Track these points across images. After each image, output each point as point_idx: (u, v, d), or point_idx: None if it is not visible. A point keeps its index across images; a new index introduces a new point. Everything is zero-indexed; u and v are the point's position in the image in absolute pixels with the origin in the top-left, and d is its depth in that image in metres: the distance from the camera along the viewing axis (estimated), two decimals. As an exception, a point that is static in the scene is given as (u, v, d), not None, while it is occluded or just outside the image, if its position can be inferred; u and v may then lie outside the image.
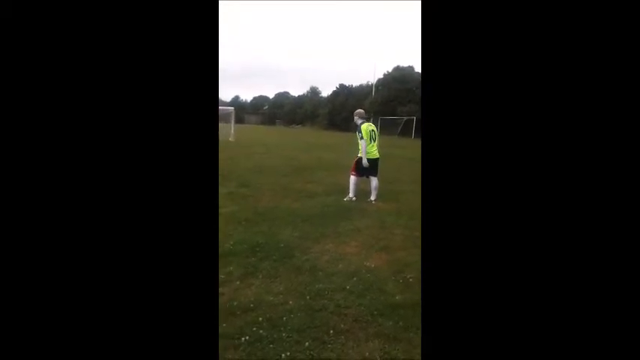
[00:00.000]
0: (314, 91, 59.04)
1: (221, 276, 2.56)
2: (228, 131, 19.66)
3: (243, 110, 60.26)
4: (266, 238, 3.38)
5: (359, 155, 4.89)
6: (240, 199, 5.00)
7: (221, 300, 2.23)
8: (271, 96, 69.75)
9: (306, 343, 1.85)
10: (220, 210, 4.35)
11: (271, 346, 1.82)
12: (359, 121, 4.98)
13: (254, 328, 1.95)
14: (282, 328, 1.96)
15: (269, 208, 4.57)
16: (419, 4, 0.98)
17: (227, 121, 21.24)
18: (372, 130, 4.94)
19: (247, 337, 1.87)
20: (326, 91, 55.56)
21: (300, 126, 47.66)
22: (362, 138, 4.80)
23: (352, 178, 5.01)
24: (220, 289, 2.37)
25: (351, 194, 5.05)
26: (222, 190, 5.54)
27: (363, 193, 5.23)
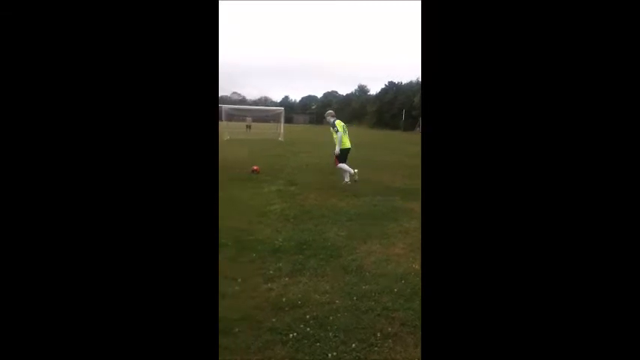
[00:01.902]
0: (362, 89, 58.51)
1: (270, 271, 2.65)
2: (277, 131, 20.22)
3: (292, 110, 61.59)
4: (313, 236, 3.42)
5: (337, 149, 6.00)
6: (288, 197, 5.12)
7: (271, 295, 2.31)
8: (320, 95, 70.37)
9: (353, 345, 1.84)
10: (269, 207, 4.50)
11: (318, 344, 1.84)
12: (331, 120, 6.17)
13: (301, 325, 1.98)
14: (328, 328, 1.97)
15: (316, 206, 4.62)
16: (419, 4, 0.99)
17: (277, 121, 21.83)
18: (344, 125, 6.11)
19: (295, 334, 1.91)
20: (374, 89, 54.81)
21: (347, 125, 47.48)
22: (337, 131, 5.94)
23: (341, 165, 6.04)
24: (270, 285, 2.45)
25: (347, 179, 6.02)
26: (270, 188, 5.72)
27: (401, 192, 5.07)
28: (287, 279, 2.54)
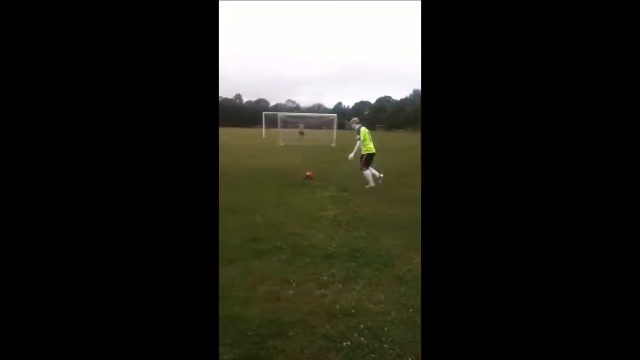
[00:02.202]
0: (417, 94, 56.85)
1: (324, 277, 2.66)
2: (329, 137, 20.41)
3: (345, 116, 61.87)
4: (366, 243, 3.38)
5: (362, 153, 6.43)
6: (341, 203, 5.12)
7: (324, 301, 2.31)
8: (373, 101, 69.76)
9: (409, 359, 1.77)
10: (322, 213, 4.54)
11: (372, 355, 1.80)
12: (356, 126, 6.59)
13: (355, 334, 1.96)
14: (383, 339, 1.92)
15: (369, 213, 4.56)
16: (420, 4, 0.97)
17: (329, 127, 22.05)
18: (368, 132, 6.52)
19: (349, 343, 1.89)
20: (430, 93, 52.75)
21: (401, 130, 46.47)
22: (359, 139, 6.41)
23: (366, 172, 6.36)
24: (323, 291, 2.46)
25: (371, 184, 6.30)
26: (323, 194, 5.77)
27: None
28: (340, 286, 2.53)
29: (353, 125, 6.76)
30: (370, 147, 6.44)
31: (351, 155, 6.59)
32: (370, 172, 6.39)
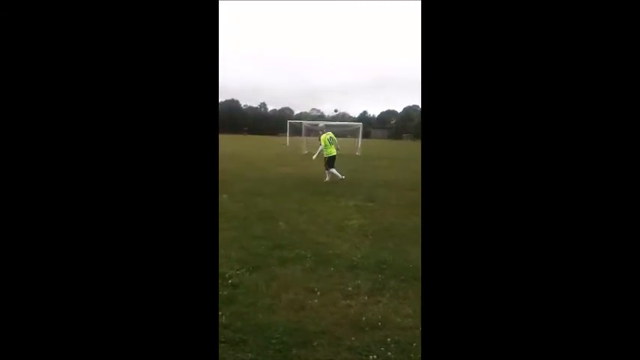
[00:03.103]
0: (444, 103, 55.97)
1: (349, 288, 2.61)
2: (355, 145, 20.36)
3: (370, 125, 61.60)
4: (393, 255, 3.30)
5: (325, 156, 7.94)
6: (366, 213, 5.05)
7: (349, 312, 2.26)
8: (400, 109, 69.22)
9: (439, 378, 1.69)
10: (347, 222, 4.49)
11: (400, 371, 1.73)
12: (320, 133, 8.16)
13: (382, 348, 1.89)
14: (412, 355, 1.85)
15: (395, 223, 4.46)
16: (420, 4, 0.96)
17: (354, 135, 22.02)
18: (330, 137, 7.97)
19: (375, 357, 1.83)
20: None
21: (427, 140, 45.64)
22: (320, 144, 8.01)
23: (331, 170, 7.85)
24: (348, 302, 2.41)
25: (340, 176, 7.83)
26: (348, 203, 5.72)
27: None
28: (366, 297, 2.47)
29: (319, 132, 8.25)
30: (331, 151, 7.85)
31: (314, 156, 8.30)
32: (334, 171, 7.80)
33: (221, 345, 1.85)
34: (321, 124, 8.52)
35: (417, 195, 6.43)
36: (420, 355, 1.84)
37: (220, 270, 2.76)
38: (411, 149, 23.66)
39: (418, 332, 2.04)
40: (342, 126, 27.93)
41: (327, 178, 7.86)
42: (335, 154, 7.94)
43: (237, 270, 2.84)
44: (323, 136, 7.97)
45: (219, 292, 2.42)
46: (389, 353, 1.86)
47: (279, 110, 77.65)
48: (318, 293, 2.51)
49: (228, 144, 20.48)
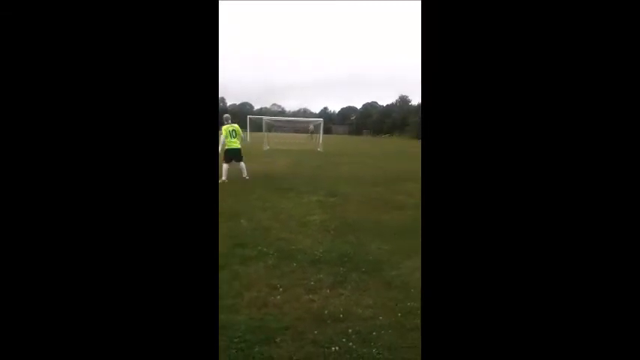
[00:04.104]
0: (403, 100, 57.79)
1: (311, 282, 2.63)
2: (316, 141, 20.44)
3: (331, 121, 62.10)
4: (354, 248, 3.37)
5: (225, 147, 7.06)
6: (328, 208, 5.11)
7: (312, 307, 2.29)
8: (359, 106, 70.46)
9: (398, 364, 1.77)
10: (309, 218, 4.51)
11: (361, 360, 1.79)
12: (225, 123, 7.23)
13: (343, 339, 1.94)
14: (372, 344, 1.91)
15: (357, 218, 4.56)
16: (419, 4, 0.98)
17: (316, 131, 22.10)
18: (233, 130, 7.19)
19: (337, 348, 1.87)
20: (416, 99, 53.91)
21: (388, 135, 47.04)
22: (221, 134, 6.95)
23: (224, 166, 6.86)
24: (311, 296, 2.43)
25: (223, 177, 6.82)
26: (311, 198, 5.75)
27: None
28: (328, 291, 2.51)
29: (222, 121, 7.31)
30: (231, 143, 7.17)
31: (220, 149, 6.98)
32: (226, 167, 6.94)
33: (180, 348, 1.79)
34: (226, 115, 7.43)
35: (378, 191, 6.61)
36: (379, 344, 1.91)
37: (179, 271, 2.66)
38: (372, 145, 24.23)
39: (378, 322, 2.12)
40: (303, 122, 27.90)
41: (223, 178, 6.77)
42: (237, 147, 7.18)
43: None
44: (224, 127, 7.13)
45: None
46: (350, 344, 1.91)
47: (239, 105, 75.83)
48: (281, 289, 2.51)
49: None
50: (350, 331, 2.02)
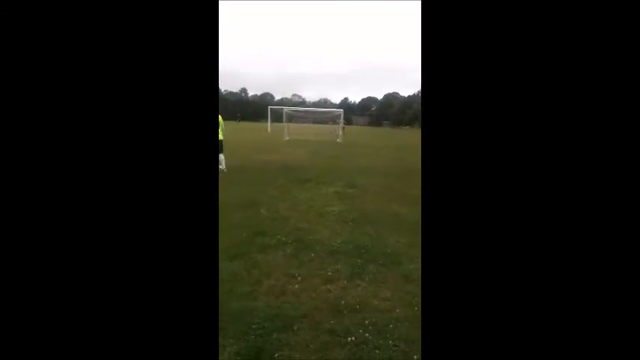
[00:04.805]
0: (424, 91, 56.52)
1: (329, 273, 2.66)
2: (336, 132, 20.34)
3: (352, 112, 61.55)
4: (372, 240, 3.37)
5: None
6: (346, 199, 5.11)
7: (329, 297, 2.31)
8: (380, 97, 69.39)
9: (415, 356, 1.77)
10: (328, 208, 4.53)
11: (377, 351, 1.80)
12: None
13: (360, 330, 1.96)
14: (388, 335, 1.92)
15: (375, 210, 4.54)
16: (419, 4, 0.97)
17: (336, 122, 21.98)
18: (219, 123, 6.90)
19: (354, 338, 1.89)
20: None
21: (408, 127, 46.22)
22: None
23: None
24: (328, 286, 2.46)
25: (222, 166, 7.00)
26: (329, 189, 5.76)
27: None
28: (345, 282, 2.53)
29: None
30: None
31: None
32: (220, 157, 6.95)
33: (201, 331, 1.86)
34: None
35: (396, 183, 6.55)
36: (396, 336, 1.92)
37: (200, 257, 2.74)
38: (392, 137, 23.88)
39: (395, 315, 2.12)
40: (323, 112, 27.79)
41: (222, 166, 6.94)
42: (221, 138, 7.08)
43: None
44: None
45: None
46: (367, 335, 1.92)
47: (260, 96, 76.27)
48: (299, 278, 2.54)
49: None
50: (367, 322, 2.03)
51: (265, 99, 70.20)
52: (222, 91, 76.41)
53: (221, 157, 7.09)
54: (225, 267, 2.69)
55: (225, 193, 5.14)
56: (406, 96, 60.91)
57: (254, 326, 1.95)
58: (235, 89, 79.49)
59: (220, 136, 7.04)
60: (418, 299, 2.30)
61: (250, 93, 78.64)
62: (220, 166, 7.02)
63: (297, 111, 27.40)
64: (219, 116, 7.30)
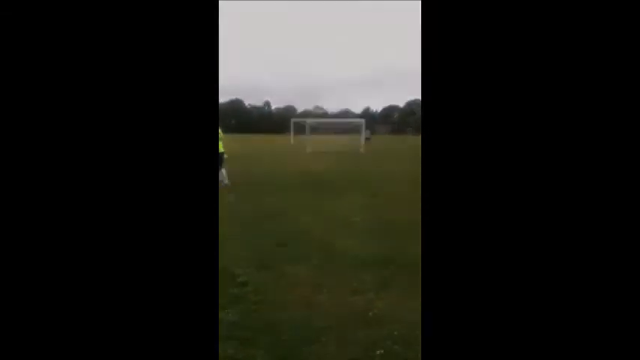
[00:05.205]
0: (448, 97, 55.59)
1: (354, 284, 2.64)
2: (358, 142, 20.35)
3: (374, 120, 61.40)
4: (398, 250, 3.32)
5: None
6: (370, 209, 5.08)
7: (356, 308, 2.30)
8: (402, 104, 68.92)
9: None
10: (352, 219, 4.52)
11: (407, 364, 1.77)
12: None
13: (388, 342, 1.93)
14: (417, 348, 1.88)
15: (400, 220, 4.48)
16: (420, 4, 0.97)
17: (358, 132, 22.00)
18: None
19: (382, 351, 1.86)
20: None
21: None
22: None
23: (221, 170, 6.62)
24: (355, 298, 2.44)
25: (225, 181, 6.88)
26: (353, 199, 5.75)
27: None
28: (372, 293, 2.50)
29: None
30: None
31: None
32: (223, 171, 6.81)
33: (231, 342, 1.90)
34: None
35: (420, 191, 6.44)
36: (426, 349, 1.88)
37: (229, 269, 2.81)
38: (415, 144, 23.58)
39: (424, 326, 2.08)
40: (345, 123, 27.92)
41: (225, 182, 6.83)
42: (223, 151, 6.86)
43: (246, 268, 2.89)
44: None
45: (229, 291, 2.47)
46: (395, 347, 1.89)
47: (283, 109, 77.65)
48: (325, 290, 2.55)
49: (234, 144, 20.62)
50: (395, 333, 2.00)
51: (288, 112, 71.39)
52: (247, 105, 78.49)
53: (223, 172, 6.84)
54: (253, 278, 2.73)
55: (249, 205, 5.25)
56: (429, 103, 60.10)
57: (283, 337, 1.97)
58: (259, 103, 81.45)
59: (221, 149, 6.72)
60: (448, 311, 2.25)
61: (274, 106, 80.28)
62: (225, 181, 6.89)
63: (319, 123, 27.72)
64: (220, 130, 7.07)
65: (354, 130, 25.77)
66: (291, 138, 26.87)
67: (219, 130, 7.05)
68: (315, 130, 26.75)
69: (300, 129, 26.38)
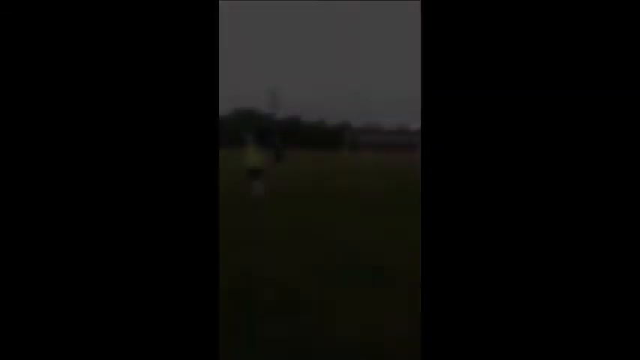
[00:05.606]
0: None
1: (413, 306, 2.57)
2: (413, 159, 19.83)
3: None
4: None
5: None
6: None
7: (414, 333, 2.24)
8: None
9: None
10: (408, 237, 4.40)
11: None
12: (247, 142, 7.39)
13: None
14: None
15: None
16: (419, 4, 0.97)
17: (415, 149, 21.50)
18: (252, 148, 7.03)
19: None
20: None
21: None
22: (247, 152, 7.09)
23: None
24: (413, 320, 2.38)
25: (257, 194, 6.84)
26: (408, 217, 5.60)
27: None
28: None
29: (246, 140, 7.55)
30: (247, 161, 7.05)
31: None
32: (255, 184, 6.88)
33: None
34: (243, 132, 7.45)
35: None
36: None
37: (282, 286, 2.90)
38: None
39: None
40: (400, 138, 27.45)
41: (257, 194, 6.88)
42: (250, 166, 7.07)
43: (299, 286, 2.96)
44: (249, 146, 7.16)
45: (287, 308, 2.55)
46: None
47: (339, 125, 78.60)
48: (383, 311, 2.52)
49: (289, 160, 21.31)
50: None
51: (343, 127, 72.01)
52: (302, 120, 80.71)
53: (258, 184, 7.01)
54: (311, 297, 2.79)
55: (299, 223, 5.37)
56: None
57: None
58: (315, 119, 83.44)
59: (249, 164, 7.08)
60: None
61: (329, 123, 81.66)
62: (259, 192, 6.98)
63: (374, 139, 27.62)
64: (255, 147, 7.10)
65: (410, 146, 25.22)
66: (347, 154, 27.01)
67: (252, 146, 7.23)
68: (370, 147, 26.65)
69: (355, 145, 26.44)
